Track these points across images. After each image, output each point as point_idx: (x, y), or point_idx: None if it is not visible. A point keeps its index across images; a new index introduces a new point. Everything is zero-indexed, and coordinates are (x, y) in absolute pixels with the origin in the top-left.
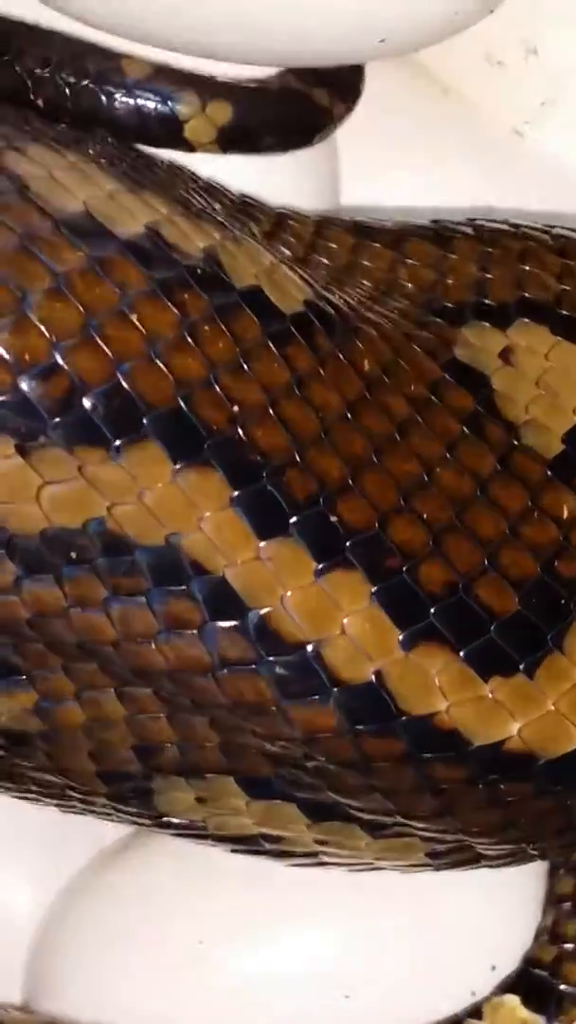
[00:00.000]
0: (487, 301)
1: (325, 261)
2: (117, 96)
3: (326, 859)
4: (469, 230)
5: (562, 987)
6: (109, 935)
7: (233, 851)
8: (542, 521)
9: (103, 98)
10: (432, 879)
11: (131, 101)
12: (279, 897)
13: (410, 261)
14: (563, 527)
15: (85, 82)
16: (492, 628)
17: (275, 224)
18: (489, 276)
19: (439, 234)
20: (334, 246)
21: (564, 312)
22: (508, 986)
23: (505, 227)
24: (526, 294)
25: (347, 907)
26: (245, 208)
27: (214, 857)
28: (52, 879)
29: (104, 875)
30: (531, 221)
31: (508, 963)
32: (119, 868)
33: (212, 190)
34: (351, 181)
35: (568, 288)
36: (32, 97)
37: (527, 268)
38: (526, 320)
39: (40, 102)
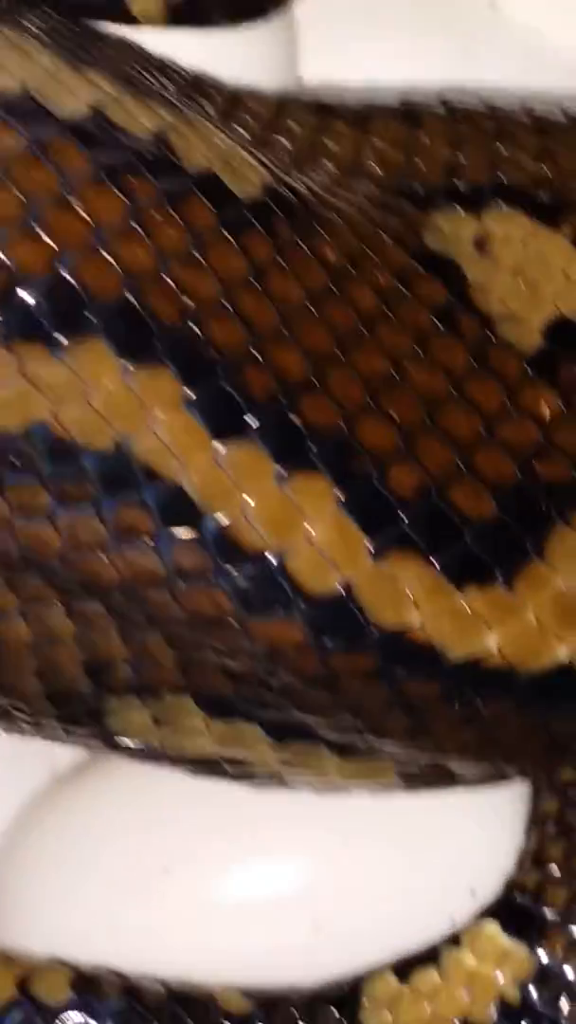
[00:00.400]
0: (459, 184)
1: (285, 143)
2: None
3: (292, 781)
4: (440, 109)
5: (545, 913)
6: (64, 863)
7: (192, 774)
8: (521, 420)
9: None
10: (408, 801)
11: None
12: (246, 822)
13: (377, 142)
14: (543, 426)
15: None
16: (468, 535)
17: (231, 104)
18: (462, 158)
19: (408, 113)
20: (295, 127)
21: (542, 196)
22: (489, 912)
23: (479, 106)
24: (501, 176)
25: (318, 832)
26: (198, 87)
27: (177, 780)
28: (4, 808)
29: (59, 800)
30: (507, 99)
31: (489, 888)
32: (75, 792)
33: (163, 68)
34: (312, 57)
35: (547, 170)
36: None
37: (503, 149)
38: (501, 204)
39: None
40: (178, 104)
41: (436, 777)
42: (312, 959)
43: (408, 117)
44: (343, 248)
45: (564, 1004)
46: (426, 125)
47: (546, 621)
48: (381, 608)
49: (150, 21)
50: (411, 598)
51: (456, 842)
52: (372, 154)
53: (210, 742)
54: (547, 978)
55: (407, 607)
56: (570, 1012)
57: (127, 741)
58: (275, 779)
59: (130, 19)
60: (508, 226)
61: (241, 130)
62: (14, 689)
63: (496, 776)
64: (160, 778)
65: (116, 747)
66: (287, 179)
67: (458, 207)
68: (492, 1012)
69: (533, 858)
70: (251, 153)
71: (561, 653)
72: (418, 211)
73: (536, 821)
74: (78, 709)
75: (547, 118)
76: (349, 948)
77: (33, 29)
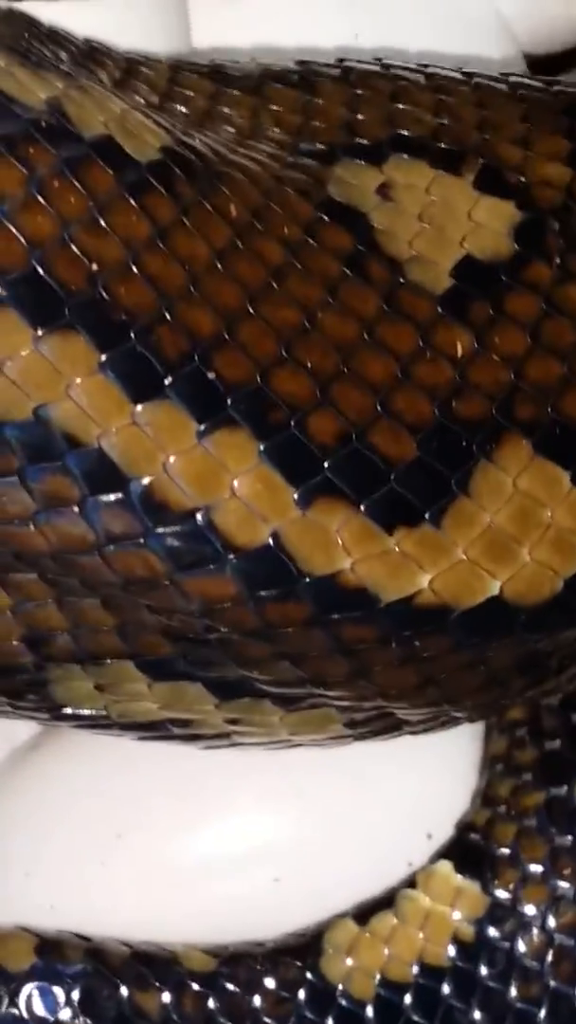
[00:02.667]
0: (359, 140)
1: (183, 110)
2: None
3: (239, 739)
4: (336, 72)
5: (496, 850)
6: (25, 835)
7: (141, 739)
8: (436, 361)
9: None
10: (363, 751)
11: None
12: (200, 782)
13: (273, 107)
14: (458, 365)
15: None
16: (392, 477)
17: (126, 72)
18: (360, 116)
19: (304, 77)
20: (191, 94)
21: (443, 145)
22: (442, 853)
23: (375, 67)
24: (400, 130)
25: (274, 787)
26: (92, 55)
27: (130, 747)
28: None
29: (18, 773)
30: (403, 58)
31: (445, 830)
32: (33, 765)
33: (55, 37)
34: (201, 19)
35: (446, 121)
36: None
37: (400, 106)
38: (403, 155)
39: None
40: (71, 73)
41: (382, 724)
42: (275, 912)
43: (304, 82)
44: (247, 203)
45: (519, 938)
46: (322, 89)
47: (476, 557)
48: (311, 556)
49: None
50: (340, 544)
51: (411, 787)
52: (269, 118)
53: (154, 705)
54: (500, 914)
55: (337, 553)
56: (526, 946)
57: (73, 710)
58: (222, 738)
59: None
60: (410, 174)
61: (138, 98)
62: None
63: (442, 719)
64: (113, 745)
65: (63, 717)
66: (186, 139)
67: (360, 160)
68: (448, 950)
69: (483, 798)
70: (148, 116)
71: (492, 588)
72: (320, 165)
73: (486, 762)
74: (21, 682)
75: (442, 75)
76: (311, 899)
77: None
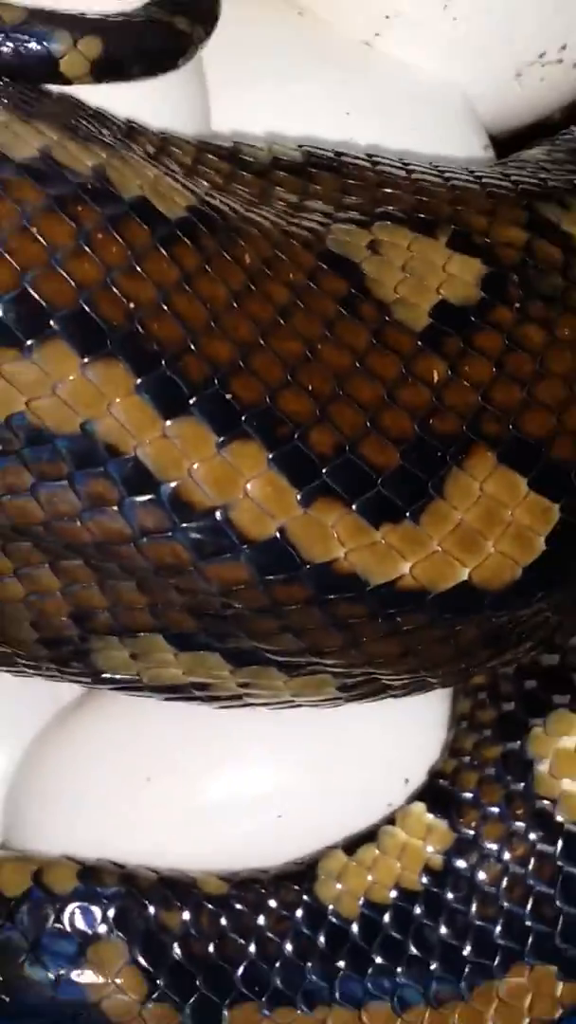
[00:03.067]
0: (351, 214)
1: (204, 183)
2: None
3: (250, 700)
4: (333, 163)
5: (461, 794)
6: (68, 779)
7: (167, 699)
8: (416, 385)
9: None
10: (352, 711)
11: (11, 45)
12: (218, 736)
13: (278, 189)
14: (435, 389)
15: None
16: (379, 482)
17: (159, 148)
18: (352, 199)
19: (305, 166)
20: (212, 172)
21: (420, 215)
22: (417, 796)
23: (364, 161)
24: (385, 208)
25: (280, 742)
26: (131, 133)
27: (160, 708)
28: (19, 736)
29: (64, 728)
30: (386, 153)
31: (419, 777)
32: (76, 720)
33: (99, 117)
34: (220, 104)
35: (422, 200)
36: None
37: (385, 191)
38: (387, 222)
39: None
40: (112, 144)
41: (369, 689)
42: (278, 844)
43: (304, 171)
44: (259, 253)
45: (480, 867)
46: (319, 179)
47: (449, 548)
48: (311, 547)
49: (79, 78)
50: (336, 537)
51: (392, 741)
52: (275, 197)
53: (179, 672)
54: (465, 847)
55: (333, 544)
56: (485, 874)
57: (110, 676)
58: (235, 700)
59: (60, 79)
60: (394, 235)
61: (168, 167)
62: (14, 639)
63: (419, 685)
64: (143, 705)
65: (102, 681)
66: (208, 200)
67: (352, 226)
68: (421, 877)
69: (451, 750)
70: (176, 180)
71: (462, 574)
72: (320, 226)
73: (454, 720)
74: (67, 651)
75: (420, 167)
76: (308, 833)
77: None
